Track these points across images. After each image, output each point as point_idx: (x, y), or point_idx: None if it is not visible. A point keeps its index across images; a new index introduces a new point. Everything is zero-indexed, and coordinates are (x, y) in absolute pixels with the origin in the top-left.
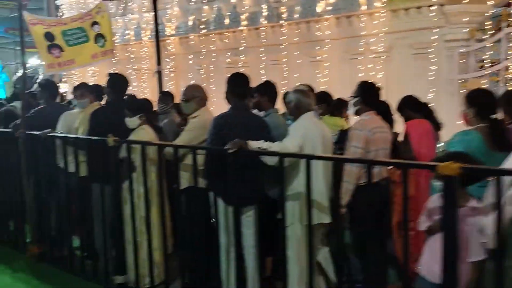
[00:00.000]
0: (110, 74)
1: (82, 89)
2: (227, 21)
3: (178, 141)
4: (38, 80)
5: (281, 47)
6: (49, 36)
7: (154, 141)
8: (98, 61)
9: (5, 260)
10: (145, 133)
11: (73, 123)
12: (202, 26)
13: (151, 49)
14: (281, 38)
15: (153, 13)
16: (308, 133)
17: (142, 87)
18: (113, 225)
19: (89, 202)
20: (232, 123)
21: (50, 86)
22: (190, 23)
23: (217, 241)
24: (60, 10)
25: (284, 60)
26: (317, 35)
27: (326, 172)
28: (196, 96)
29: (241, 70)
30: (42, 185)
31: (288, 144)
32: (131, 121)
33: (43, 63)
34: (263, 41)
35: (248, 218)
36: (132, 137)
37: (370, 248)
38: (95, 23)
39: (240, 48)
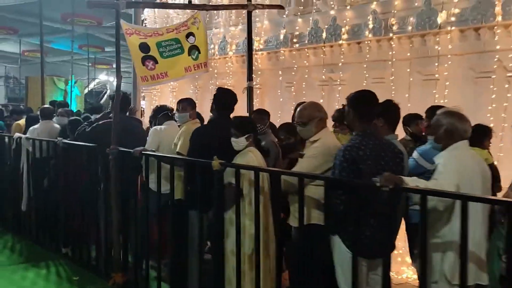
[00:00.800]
0: (218, 89)
1: (184, 102)
2: (324, 34)
3: (299, 169)
4: (106, 95)
5: (389, 63)
6: (144, 47)
7: (264, 166)
8: (191, 75)
9: (86, 287)
10: (254, 157)
11: (162, 138)
12: (295, 40)
13: (236, 64)
14: (389, 53)
15: (240, 27)
16: (464, 168)
17: None
18: (211, 260)
19: (183, 229)
20: (364, 154)
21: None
22: (282, 37)
23: None
24: (144, 24)
25: (391, 78)
26: (435, 49)
27: (485, 218)
28: (315, 117)
29: (339, 88)
30: (129, 207)
31: (444, 183)
32: (238, 142)
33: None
34: (366, 56)
35: (375, 276)
36: (238, 160)
37: None
38: (190, 34)
39: (339, 64)
